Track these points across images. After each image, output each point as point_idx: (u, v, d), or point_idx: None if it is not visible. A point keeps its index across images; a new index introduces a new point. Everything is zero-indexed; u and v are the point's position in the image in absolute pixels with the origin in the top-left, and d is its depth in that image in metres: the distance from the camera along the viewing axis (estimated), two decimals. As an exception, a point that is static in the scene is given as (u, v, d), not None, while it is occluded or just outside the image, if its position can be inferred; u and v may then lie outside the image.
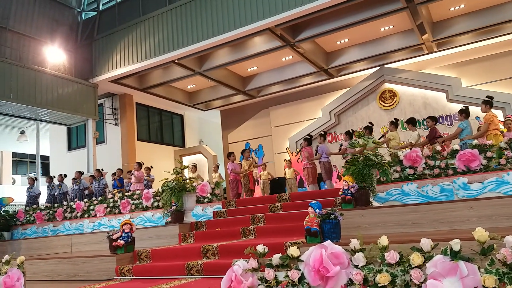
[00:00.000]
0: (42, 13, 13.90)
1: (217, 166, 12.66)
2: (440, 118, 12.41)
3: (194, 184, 7.66)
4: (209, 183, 8.53)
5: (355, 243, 2.55)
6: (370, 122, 9.58)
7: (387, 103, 13.56)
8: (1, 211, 10.78)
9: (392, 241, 2.54)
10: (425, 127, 10.94)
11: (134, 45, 13.21)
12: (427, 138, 8.23)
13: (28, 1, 13.48)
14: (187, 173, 11.98)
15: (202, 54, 12.70)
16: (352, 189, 5.84)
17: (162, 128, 17.40)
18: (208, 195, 8.32)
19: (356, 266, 2.45)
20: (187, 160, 16.45)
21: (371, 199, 5.85)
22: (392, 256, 2.32)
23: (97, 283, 4.93)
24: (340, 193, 6.09)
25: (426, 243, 2.29)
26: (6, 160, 25.03)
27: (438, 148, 6.70)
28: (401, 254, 2.32)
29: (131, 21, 13.55)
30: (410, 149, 6.69)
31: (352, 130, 9.53)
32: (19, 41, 13.28)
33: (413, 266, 2.23)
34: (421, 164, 6.34)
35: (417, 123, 10.38)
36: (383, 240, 2.45)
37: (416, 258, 2.24)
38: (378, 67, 13.53)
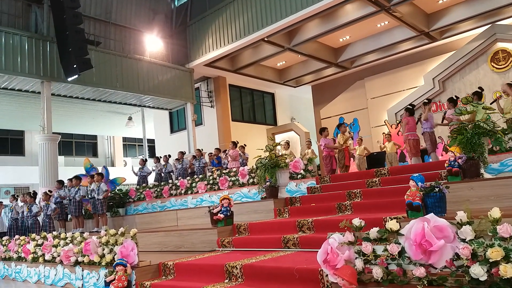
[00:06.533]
0: (140, 5, 14.95)
1: (310, 142, 12.54)
2: None
3: (286, 161, 7.67)
4: (302, 159, 8.48)
5: (461, 215, 2.34)
6: (479, 87, 8.64)
7: (500, 65, 12.10)
8: (116, 190, 11.98)
9: (506, 214, 2.28)
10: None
11: (225, 27, 13.52)
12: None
13: (126, -6, 14.54)
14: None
15: (291, 29, 12.56)
16: (459, 160, 5.31)
17: (254, 107, 17.76)
18: (301, 171, 8.28)
19: (463, 240, 2.25)
20: (279, 138, 16.60)
21: (482, 171, 5.29)
22: (506, 230, 2.09)
23: (201, 254, 5.22)
24: (446, 165, 5.57)
25: (549, 215, 2.00)
26: (118, 144, 27.79)
27: None
28: (517, 227, 2.06)
29: (220, 3, 13.85)
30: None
31: (456, 96, 8.69)
32: (121, 33, 14.49)
33: (531, 240, 1.98)
34: (543, 130, 5.55)
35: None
36: (495, 212, 2.20)
37: (535, 231, 1.98)
38: (489, 25, 12.14)
